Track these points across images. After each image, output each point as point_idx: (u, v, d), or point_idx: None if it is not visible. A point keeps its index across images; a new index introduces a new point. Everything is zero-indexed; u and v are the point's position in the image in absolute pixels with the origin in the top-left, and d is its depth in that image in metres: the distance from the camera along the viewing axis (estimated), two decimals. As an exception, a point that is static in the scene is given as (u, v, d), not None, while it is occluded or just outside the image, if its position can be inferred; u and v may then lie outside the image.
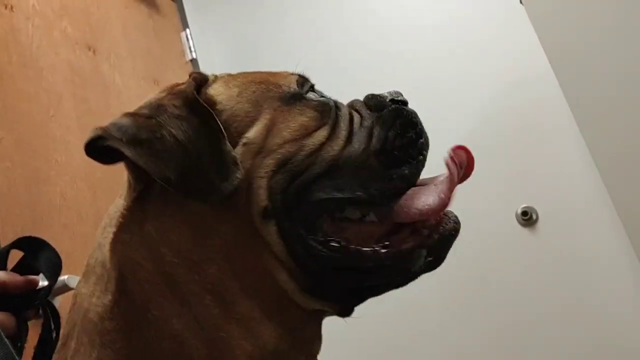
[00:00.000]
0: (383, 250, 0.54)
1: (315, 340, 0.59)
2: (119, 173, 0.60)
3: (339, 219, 0.56)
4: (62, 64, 1.89)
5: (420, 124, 0.62)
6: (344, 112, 0.62)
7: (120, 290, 0.53)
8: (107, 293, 0.53)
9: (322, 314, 0.59)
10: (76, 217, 1.61)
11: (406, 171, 0.57)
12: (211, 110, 0.56)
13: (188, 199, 0.54)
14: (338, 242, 0.54)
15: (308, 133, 0.57)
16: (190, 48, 2.73)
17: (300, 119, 0.58)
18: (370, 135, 0.59)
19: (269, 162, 0.55)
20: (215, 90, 0.61)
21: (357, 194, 0.55)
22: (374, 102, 0.63)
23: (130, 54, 2.29)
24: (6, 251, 0.62)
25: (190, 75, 0.62)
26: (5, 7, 1.75)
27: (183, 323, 0.51)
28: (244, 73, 0.65)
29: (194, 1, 2.97)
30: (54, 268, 0.61)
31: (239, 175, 0.52)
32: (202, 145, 0.53)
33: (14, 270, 0.62)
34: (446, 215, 0.58)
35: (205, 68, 2.78)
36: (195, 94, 0.58)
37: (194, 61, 2.73)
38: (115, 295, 0.53)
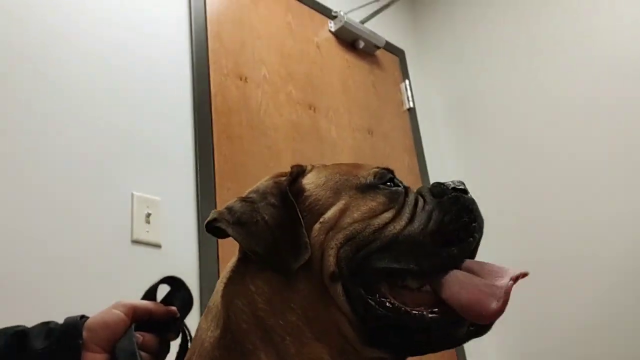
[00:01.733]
0: (429, 315, 0.65)
1: None
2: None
3: (400, 286, 0.68)
4: (285, 123, 2.21)
5: (476, 210, 0.72)
6: (411, 198, 0.74)
7: (226, 328, 0.69)
8: (217, 328, 0.70)
9: None
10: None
11: (455, 250, 0.68)
12: (295, 203, 0.73)
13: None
14: (392, 303, 0.66)
15: (375, 215, 0.70)
16: (408, 98, 2.91)
17: (370, 203, 0.72)
18: (429, 218, 0.70)
19: (339, 237, 0.69)
20: (307, 179, 0.77)
21: (410, 265, 0.67)
22: (437, 190, 0.74)
23: (348, 108, 2.55)
24: (155, 286, 0.84)
25: (291, 168, 0.79)
26: (240, 79, 2.13)
27: (269, 357, 0.66)
28: (335, 165, 0.80)
29: (415, 53, 3.16)
30: (187, 305, 0.82)
31: (307, 256, 0.68)
32: (284, 230, 0.69)
33: (162, 301, 0.84)
34: None
35: (423, 116, 2.93)
36: (287, 187, 0.75)
37: (411, 110, 2.89)
38: (222, 331, 0.69)
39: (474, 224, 0.70)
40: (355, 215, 0.71)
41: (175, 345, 0.82)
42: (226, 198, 1.78)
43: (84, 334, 0.73)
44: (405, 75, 3.00)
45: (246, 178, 1.92)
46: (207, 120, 1.94)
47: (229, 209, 0.73)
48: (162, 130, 1.83)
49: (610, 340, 2.33)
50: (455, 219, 0.70)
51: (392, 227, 0.69)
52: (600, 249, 2.42)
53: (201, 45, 2.03)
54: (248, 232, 0.69)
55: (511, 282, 0.64)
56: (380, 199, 0.73)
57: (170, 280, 0.85)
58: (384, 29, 2.92)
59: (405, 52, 3.09)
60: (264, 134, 2.11)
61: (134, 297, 0.83)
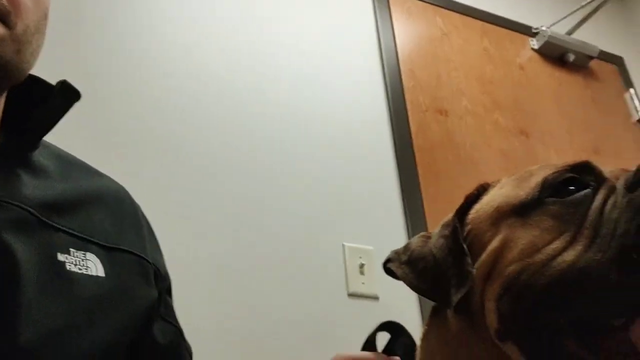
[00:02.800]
0: None
1: None
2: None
3: (609, 328, 0.47)
4: (494, 153, 2.03)
5: None
6: (597, 203, 0.51)
7: None
8: None
9: None
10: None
11: None
12: (458, 231, 0.60)
13: (450, 318, 0.61)
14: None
15: (537, 248, 0.51)
16: (636, 108, 2.53)
17: (530, 234, 0.53)
18: (614, 230, 0.47)
19: (496, 286, 0.54)
20: (477, 205, 0.63)
21: (585, 312, 0.47)
22: (632, 179, 0.50)
23: (567, 129, 2.28)
24: (374, 334, 0.74)
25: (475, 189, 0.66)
26: (441, 114, 2.02)
27: None
28: (509, 178, 0.63)
29: (636, 58, 2.77)
30: (410, 352, 0.69)
31: (465, 289, 0.55)
32: (450, 262, 0.58)
33: (383, 351, 0.73)
34: None
35: (658, 126, 2.52)
36: (455, 216, 0.63)
37: (642, 121, 2.51)
38: None
39: None
40: (513, 254, 0.53)
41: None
42: (441, 240, 1.65)
43: None
44: (628, 83, 2.63)
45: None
46: (410, 160, 1.84)
47: (406, 247, 0.67)
48: (367, 177, 1.77)
49: None
50: None
51: (560, 260, 0.49)
52: None
53: (396, 85, 1.96)
54: (415, 269, 0.63)
55: None
56: (547, 222, 0.53)
57: (390, 326, 0.74)
58: (594, 37, 2.61)
59: (624, 59, 2.72)
60: (472, 168, 1.95)
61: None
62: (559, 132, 2.25)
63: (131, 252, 0.70)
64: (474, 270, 0.56)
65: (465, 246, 0.59)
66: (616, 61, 2.70)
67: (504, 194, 0.60)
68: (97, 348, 0.60)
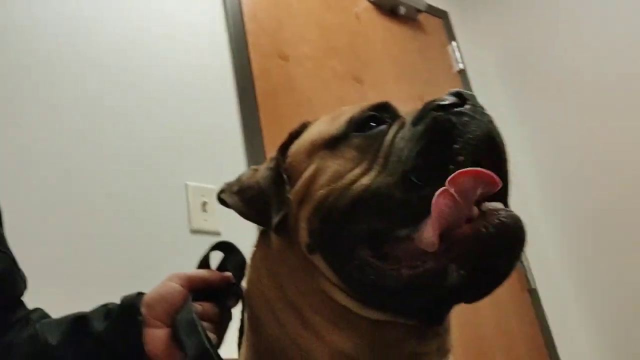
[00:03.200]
0: (404, 271, 0.55)
1: (404, 343, 0.60)
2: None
3: (394, 238, 0.57)
4: (332, 99, 2.15)
5: (468, 125, 0.55)
6: (388, 139, 0.60)
7: (249, 304, 0.70)
8: (245, 305, 0.72)
9: (397, 323, 0.60)
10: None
11: (426, 191, 0.53)
12: (280, 164, 0.69)
13: (272, 238, 0.68)
14: (371, 266, 0.57)
15: (341, 175, 0.61)
16: (457, 60, 2.79)
17: (336, 163, 0.62)
18: (399, 159, 0.57)
19: (308, 208, 0.63)
20: (299, 140, 0.71)
21: (378, 224, 0.57)
22: (416, 116, 0.59)
23: (396, 77, 2.47)
24: (208, 254, 0.80)
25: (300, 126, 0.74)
26: (282, 58, 2.09)
27: (278, 329, 0.64)
28: (325, 117, 0.72)
29: (459, 14, 3.03)
30: (241, 269, 0.77)
31: (284, 212, 0.64)
32: (273, 190, 0.66)
33: (217, 269, 0.79)
34: (487, 219, 0.52)
35: (474, 76, 2.81)
36: (279, 150, 0.71)
37: (462, 72, 2.78)
38: (248, 307, 0.70)
39: (455, 146, 0.54)
40: (321, 181, 0.62)
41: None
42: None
43: (143, 310, 0.71)
44: (451, 37, 2.89)
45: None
46: (252, 103, 1.90)
47: (237, 179, 0.74)
48: (210, 119, 1.80)
49: None
50: (425, 149, 0.55)
51: (359, 184, 0.59)
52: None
53: (238, 27, 1.99)
54: (243, 197, 0.70)
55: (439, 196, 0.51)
56: (349, 153, 0.62)
57: (223, 246, 0.80)
58: (424, -8, 2.81)
59: (449, 14, 2.97)
60: (311, 112, 2.05)
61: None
62: (389, 81, 2.42)
63: None
64: (291, 196, 0.65)
65: (285, 176, 0.67)
66: (442, 15, 2.93)
67: (318, 131, 0.69)
68: None
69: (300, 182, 0.65)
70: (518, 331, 2.30)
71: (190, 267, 1.48)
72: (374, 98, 0.64)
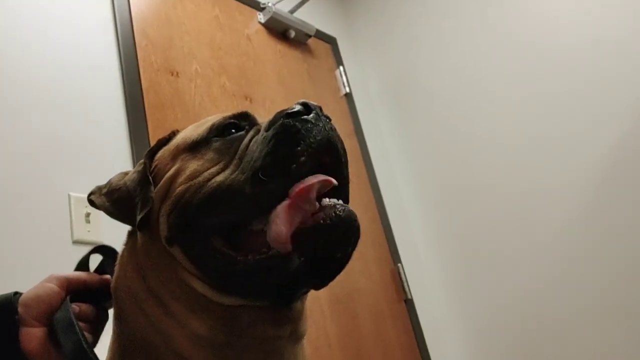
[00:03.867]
0: (250, 257, 0.63)
1: (257, 327, 0.67)
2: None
3: (250, 231, 0.65)
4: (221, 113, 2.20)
5: (310, 130, 0.64)
6: (244, 142, 0.69)
7: (114, 297, 0.74)
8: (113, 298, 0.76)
9: (251, 307, 0.67)
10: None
11: (272, 185, 0.62)
12: (146, 167, 0.75)
13: (138, 236, 0.74)
14: (224, 254, 0.64)
15: (199, 174, 0.68)
16: (344, 84, 2.94)
17: (195, 163, 0.70)
18: (252, 160, 0.65)
19: (168, 204, 0.69)
20: (166, 146, 0.77)
21: (230, 217, 0.65)
22: (269, 123, 0.68)
23: (284, 97, 2.56)
24: (87, 257, 0.84)
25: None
26: (172, 74, 2.12)
27: (143, 318, 0.69)
28: (192, 125, 0.79)
29: (347, 40, 3.20)
30: None
31: (146, 209, 0.69)
32: (138, 190, 0.72)
33: (95, 271, 0.83)
34: (325, 212, 0.61)
35: (360, 100, 2.98)
36: (146, 155, 0.77)
37: (348, 95, 2.93)
38: (113, 300, 0.75)
39: (298, 148, 0.62)
40: (181, 179, 0.69)
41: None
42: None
43: (19, 309, 0.72)
44: (339, 62, 3.04)
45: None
46: (140, 116, 1.92)
47: (108, 181, 0.79)
48: (97, 131, 1.80)
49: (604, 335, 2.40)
50: (273, 150, 0.64)
51: (213, 181, 0.67)
52: (537, 234, 2.52)
53: (128, 42, 2.01)
54: (111, 198, 0.75)
55: (289, 200, 0.61)
56: (209, 155, 0.70)
57: (103, 250, 0.84)
58: (314, 17, 2.95)
59: (337, 40, 3.13)
60: (201, 126, 2.10)
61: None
62: (278, 100, 2.51)
63: None
64: (154, 195, 0.71)
65: (150, 177, 0.73)
66: (330, 41, 3.09)
67: (183, 136, 0.76)
68: None
69: (162, 182, 0.71)
70: (395, 339, 2.44)
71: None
72: (264, 116, 0.71)
